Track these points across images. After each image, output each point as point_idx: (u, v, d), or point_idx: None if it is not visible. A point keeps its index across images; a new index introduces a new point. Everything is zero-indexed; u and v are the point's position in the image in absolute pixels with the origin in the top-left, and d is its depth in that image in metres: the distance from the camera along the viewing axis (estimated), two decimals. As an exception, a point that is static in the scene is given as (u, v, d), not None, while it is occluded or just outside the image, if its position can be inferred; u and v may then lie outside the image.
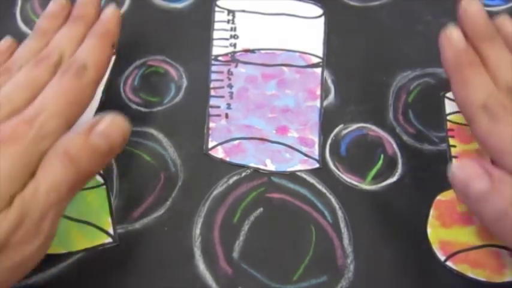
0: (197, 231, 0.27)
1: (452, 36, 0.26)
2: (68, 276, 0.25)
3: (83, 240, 0.26)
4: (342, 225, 0.27)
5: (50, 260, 0.25)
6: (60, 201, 0.22)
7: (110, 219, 0.27)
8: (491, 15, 0.27)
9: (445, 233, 0.27)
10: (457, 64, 0.26)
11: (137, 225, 0.27)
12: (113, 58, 0.32)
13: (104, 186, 0.28)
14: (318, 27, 0.34)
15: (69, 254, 0.26)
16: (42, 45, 0.27)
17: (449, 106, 0.31)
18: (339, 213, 0.28)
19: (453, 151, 0.30)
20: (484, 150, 0.24)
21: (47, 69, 0.25)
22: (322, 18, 0.34)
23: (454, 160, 0.29)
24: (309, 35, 0.33)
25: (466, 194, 0.22)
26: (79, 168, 0.22)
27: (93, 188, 0.28)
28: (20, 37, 0.34)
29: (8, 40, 0.29)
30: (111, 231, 0.26)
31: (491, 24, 0.27)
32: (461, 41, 0.26)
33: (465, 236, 0.27)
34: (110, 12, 0.28)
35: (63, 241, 0.26)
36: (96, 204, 0.27)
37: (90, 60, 0.25)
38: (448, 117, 0.31)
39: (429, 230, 0.27)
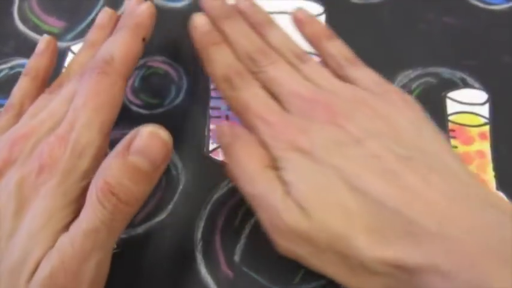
0: (198, 235, 0.27)
1: (196, 22, 0.29)
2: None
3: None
4: (343, 227, 0.27)
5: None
6: (102, 243, 0.20)
7: (112, 224, 0.27)
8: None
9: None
10: (202, 44, 0.28)
11: (139, 230, 0.27)
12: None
13: (106, 190, 0.28)
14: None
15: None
16: (89, 57, 0.27)
17: (451, 106, 0.31)
18: (340, 216, 0.28)
19: (454, 152, 0.30)
20: (236, 116, 0.27)
21: None
22: (323, 16, 0.33)
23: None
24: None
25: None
26: (122, 199, 0.19)
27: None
28: (18, 36, 0.34)
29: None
30: (113, 236, 0.27)
31: (228, 5, 0.30)
32: (205, 25, 0.29)
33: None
34: (144, 6, 0.28)
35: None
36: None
37: (117, 52, 0.24)
38: (450, 118, 0.30)
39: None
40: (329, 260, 0.21)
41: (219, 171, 0.29)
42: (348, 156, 0.22)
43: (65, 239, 0.20)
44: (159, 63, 0.33)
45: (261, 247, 0.27)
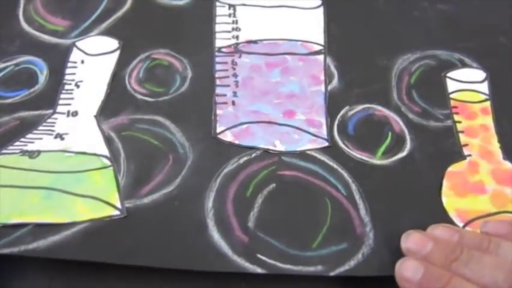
0: (209, 204, 0.26)
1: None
2: (71, 244, 0.24)
3: (88, 212, 0.25)
4: (357, 197, 0.27)
5: (52, 227, 0.24)
6: None
7: (117, 195, 0.26)
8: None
9: (460, 202, 0.27)
10: None
11: (146, 200, 0.26)
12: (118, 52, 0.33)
13: (111, 168, 0.27)
14: (318, 16, 0.35)
15: (74, 224, 0.24)
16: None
17: (451, 85, 0.32)
18: (353, 186, 0.27)
19: (459, 126, 0.30)
20: None
21: None
22: (321, 8, 0.35)
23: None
24: (310, 25, 0.34)
25: None
26: None
27: (99, 169, 0.27)
28: (23, 36, 0.34)
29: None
30: (118, 205, 0.25)
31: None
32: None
33: (480, 204, 0.27)
34: None
35: (66, 212, 0.25)
36: (102, 182, 0.26)
37: None
38: (451, 96, 0.31)
39: (444, 199, 0.27)
40: None
41: (228, 150, 0.28)
42: None
43: None
44: (163, 55, 0.33)
45: (276, 215, 0.26)
